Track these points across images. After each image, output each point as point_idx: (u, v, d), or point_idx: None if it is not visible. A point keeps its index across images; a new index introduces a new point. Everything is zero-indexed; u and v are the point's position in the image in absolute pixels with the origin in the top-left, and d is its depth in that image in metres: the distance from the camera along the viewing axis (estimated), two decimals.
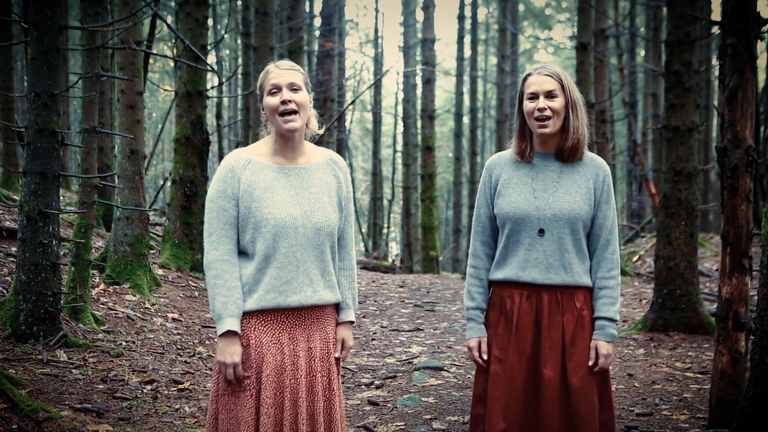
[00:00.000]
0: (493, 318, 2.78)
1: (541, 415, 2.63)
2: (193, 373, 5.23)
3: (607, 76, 12.60)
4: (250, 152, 2.55)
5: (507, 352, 2.70)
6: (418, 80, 22.23)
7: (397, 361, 6.06)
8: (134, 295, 6.77)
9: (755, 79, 3.88)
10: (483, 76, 26.72)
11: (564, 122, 2.71)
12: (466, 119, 25.32)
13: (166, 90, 13.99)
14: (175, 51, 9.70)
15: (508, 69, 20.84)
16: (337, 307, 2.65)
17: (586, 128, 2.74)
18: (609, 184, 2.76)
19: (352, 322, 2.68)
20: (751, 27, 3.84)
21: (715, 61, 17.12)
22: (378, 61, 24.61)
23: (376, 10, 23.71)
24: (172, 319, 6.64)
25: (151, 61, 15.72)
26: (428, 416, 4.50)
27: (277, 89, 2.49)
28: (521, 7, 26.20)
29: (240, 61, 16.32)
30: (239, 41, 17.60)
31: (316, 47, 20.03)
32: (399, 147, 27.24)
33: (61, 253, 6.40)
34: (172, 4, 18.12)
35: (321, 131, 2.70)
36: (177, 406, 4.44)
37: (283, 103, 2.47)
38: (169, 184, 10.25)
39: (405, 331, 7.47)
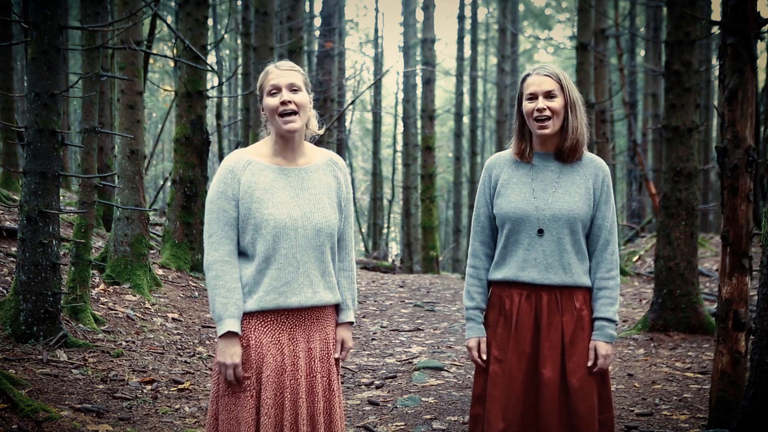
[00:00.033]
0: (493, 318, 2.78)
1: (540, 416, 2.63)
2: (193, 373, 5.23)
3: (607, 76, 12.60)
4: (250, 153, 2.55)
5: (506, 352, 2.70)
6: (418, 80, 22.23)
7: (397, 361, 6.06)
8: (134, 295, 6.77)
9: (755, 79, 3.88)
10: (483, 76, 26.72)
11: (563, 122, 2.71)
12: (466, 119, 25.32)
13: (166, 90, 13.98)
14: (175, 51, 9.70)
15: (508, 69, 20.84)
16: (336, 308, 2.65)
17: (585, 128, 2.74)
18: (608, 185, 2.76)
19: (351, 323, 2.68)
20: (751, 27, 3.84)
21: (715, 61, 17.12)
22: (378, 61, 24.61)
23: (376, 10, 23.70)
24: (172, 319, 6.64)
25: (151, 61, 15.71)
26: (428, 416, 4.50)
27: (276, 90, 2.49)
28: (521, 7, 26.20)
29: (240, 61, 16.32)
30: (239, 41, 17.60)
31: (316, 47, 20.03)
32: (399, 147, 27.25)
33: (61, 253, 6.40)
34: (172, 4, 18.12)
35: (321, 131, 2.70)
36: (177, 406, 4.44)
37: (283, 103, 2.47)
38: (169, 184, 10.25)
39: (405, 331, 7.47)
